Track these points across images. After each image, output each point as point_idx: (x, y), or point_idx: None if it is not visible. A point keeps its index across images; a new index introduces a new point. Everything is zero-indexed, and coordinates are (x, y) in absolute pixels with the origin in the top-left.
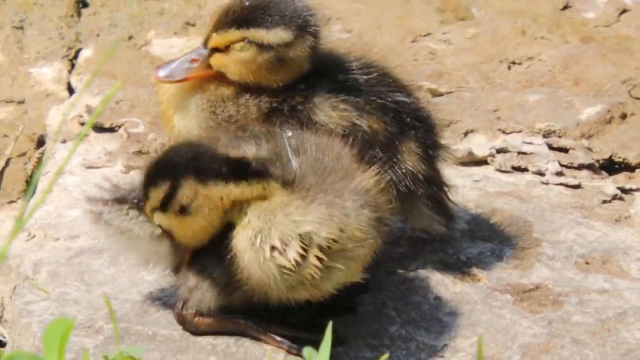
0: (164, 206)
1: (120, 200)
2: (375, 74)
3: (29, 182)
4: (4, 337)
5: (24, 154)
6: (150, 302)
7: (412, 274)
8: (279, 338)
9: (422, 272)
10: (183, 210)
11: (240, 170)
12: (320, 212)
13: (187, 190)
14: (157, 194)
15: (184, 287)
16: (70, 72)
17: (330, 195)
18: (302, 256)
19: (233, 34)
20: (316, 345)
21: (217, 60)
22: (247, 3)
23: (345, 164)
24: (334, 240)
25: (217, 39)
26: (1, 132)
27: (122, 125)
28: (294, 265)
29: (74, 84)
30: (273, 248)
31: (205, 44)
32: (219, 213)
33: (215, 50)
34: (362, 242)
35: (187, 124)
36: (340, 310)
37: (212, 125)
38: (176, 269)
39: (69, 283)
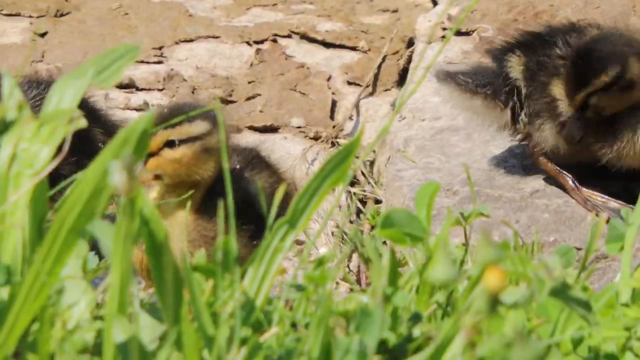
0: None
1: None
2: None
3: (401, 75)
4: (380, 197)
5: (396, 52)
6: (497, 171)
7: None
8: (594, 202)
9: None
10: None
11: None
12: None
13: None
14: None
15: (535, 133)
16: None
17: None
18: None
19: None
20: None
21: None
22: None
23: None
24: None
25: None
26: (379, 34)
27: (475, 30)
28: None
29: None
30: None
31: None
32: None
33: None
34: None
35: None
36: None
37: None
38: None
39: (432, 155)
